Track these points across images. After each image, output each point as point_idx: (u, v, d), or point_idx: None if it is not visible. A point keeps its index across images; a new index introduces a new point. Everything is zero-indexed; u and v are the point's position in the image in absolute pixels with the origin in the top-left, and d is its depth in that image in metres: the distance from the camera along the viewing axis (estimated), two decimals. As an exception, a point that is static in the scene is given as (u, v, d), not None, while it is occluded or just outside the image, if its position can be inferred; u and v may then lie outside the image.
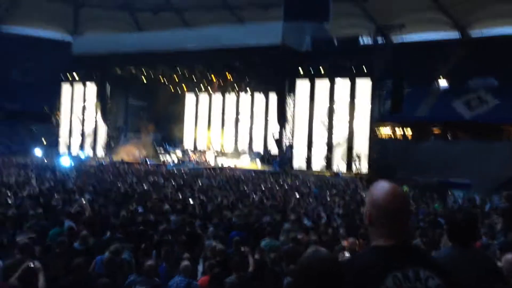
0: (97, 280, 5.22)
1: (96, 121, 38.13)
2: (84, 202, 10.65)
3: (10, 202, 10.38)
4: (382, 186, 1.95)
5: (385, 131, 38.85)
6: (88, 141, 38.63)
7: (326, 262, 1.74)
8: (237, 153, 36.16)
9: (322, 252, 1.80)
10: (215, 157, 35.37)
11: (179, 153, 35.98)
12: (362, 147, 29.29)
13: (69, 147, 38.59)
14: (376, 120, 30.59)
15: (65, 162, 28.05)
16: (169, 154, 35.79)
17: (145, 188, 15.52)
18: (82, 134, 38.76)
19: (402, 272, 1.77)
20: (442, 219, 10.27)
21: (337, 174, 28.22)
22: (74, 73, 38.03)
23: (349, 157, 29.54)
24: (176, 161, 34.22)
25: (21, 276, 4.91)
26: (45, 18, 48.40)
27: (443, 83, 40.06)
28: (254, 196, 14.18)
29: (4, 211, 8.92)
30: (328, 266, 1.73)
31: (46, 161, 30.48)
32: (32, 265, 4.94)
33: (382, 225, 1.89)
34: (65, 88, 39.22)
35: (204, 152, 36.61)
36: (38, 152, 28.48)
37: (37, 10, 47.26)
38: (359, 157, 28.96)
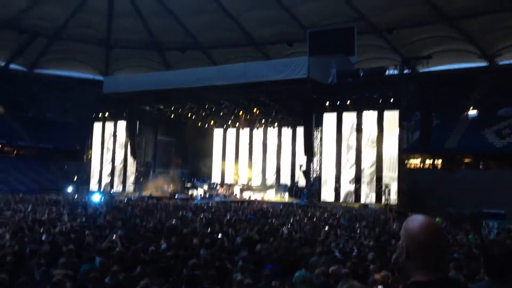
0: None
1: (126, 158, 38.87)
2: (114, 237, 10.77)
3: (43, 238, 10.56)
4: (417, 219, 1.94)
5: (414, 161, 38.31)
6: (118, 177, 39.29)
7: None
8: (264, 186, 36.12)
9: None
10: (243, 190, 35.40)
11: (206, 187, 36.18)
12: (391, 178, 28.92)
13: (99, 184, 39.28)
14: (405, 151, 30.26)
15: (96, 198, 28.50)
16: (197, 189, 36.02)
17: (174, 222, 15.58)
18: (112, 171, 39.47)
19: None
20: (477, 250, 9.99)
21: (366, 206, 27.82)
22: (106, 112, 39.12)
23: (378, 189, 29.17)
24: (203, 195, 34.37)
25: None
26: (78, 60, 50.16)
27: (472, 113, 39.49)
28: (283, 229, 14.07)
29: (37, 247, 9.08)
30: None
31: (77, 197, 31.02)
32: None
33: (419, 259, 1.86)
34: (96, 126, 40.27)
35: (231, 185, 36.71)
36: (70, 189, 29.02)
37: (70, 52, 49.06)
38: (388, 188, 28.55)
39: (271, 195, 33.86)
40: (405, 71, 30.17)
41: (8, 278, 6.38)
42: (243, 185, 36.78)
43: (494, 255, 2.64)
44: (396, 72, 29.75)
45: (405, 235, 1.91)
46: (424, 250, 1.87)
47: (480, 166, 36.94)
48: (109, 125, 39.83)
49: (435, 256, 1.89)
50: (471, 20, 35.87)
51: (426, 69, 32.70)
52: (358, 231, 14.52)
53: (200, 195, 34.68)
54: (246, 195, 34.24)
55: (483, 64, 40.15)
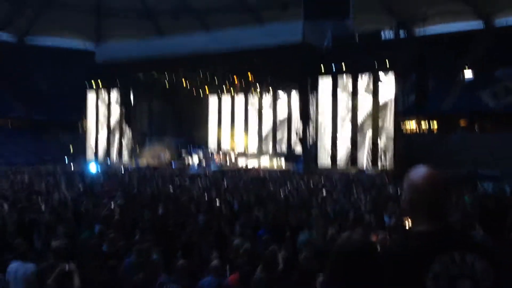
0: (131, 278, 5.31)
1: (121, 127, 38.73)
2: (112, 206, 10.84)
3: (41, 208, 10.61)
4: (421, 171, 1.96)
5: (410, 125, 38.37)
6: (114, 146, 39.25)
7: (361, 242, 1.76)
8: (261, 153, 36.21)
9: (356, 235, 1.82)
10: (239, 157, 35.49)
11: (203, 155, 36.25)
12: (387, 141, 28.99)
13: (96, 154, 39.24)
14: (401, 115, 30.22)
15: (93, 168, 28.53)
16: (193, 156, 36.08)
17: (171, 190, 15.66)
18: (108, 140, 39.39)
19: (449, 255, 1.75)
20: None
21: (362, 170, 27.98)
22: (98, 81, 38.69)
23: (375, 153, 29.27)
24: (200, 163, 34.47)
25: (56, 278, 5.03)
26: (68, 28, 49.36)
27: (468, 74, 39.31)
28: (280, 195, 14.18)
29: (36, 217, 9.13)
30: (363, 245, 1.75)
31: (73, 168, 31.06)
32: (66, 268, 5.06)
33: (423, 209, 1.88)
34: (90, 96, 39.92)
35: (228, 153, 36.78)
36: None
37: (60, 20, 48.21)
38: (384, 152, 28.67)
39: (267, 162, 33.99)
40: (401, 34, 29.91)
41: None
42: (240, 152, 36.86)
43: (489, 209, 2.67)
44: (391, 35, 29.48)
45: (409, 186, 1.93)
46: (427, 200, 1.89)
47: (476, 128, 37.07)
48: (103, 94, 39.48)
49: (438, 205, 1.91)
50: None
51: (422, 31, 32.39)
52: (354, 195, 14.64)
53: (197, 163, 34.76)
54: (243, 162, 34.35)
55: (479, 25, 39.78)
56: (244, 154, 36.66)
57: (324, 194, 14.37)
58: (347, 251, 1.77)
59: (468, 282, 1.72)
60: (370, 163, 29.24)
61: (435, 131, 38.35)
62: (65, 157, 38.83)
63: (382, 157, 28.79)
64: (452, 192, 13.01)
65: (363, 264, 1.73)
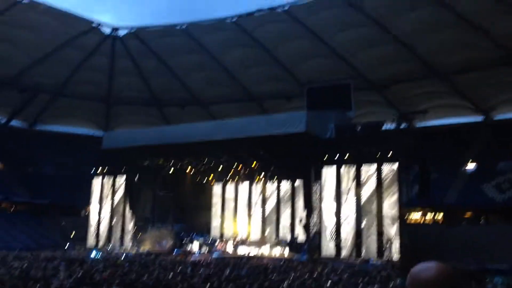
0: None
1: (124, 213, 38.57)
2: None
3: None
4: (440, 266, 1.83)
5: (415, 216, 38.06)
6: (116, 232, 38.83)
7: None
8: (264, 241, 35.60)
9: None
10: (242, 245, 34.88)
11: (206, 242, 35.72)
12: (392, 233, 28.58)
13: (97, 240, 38.71)
14: (405, 206, 30.10)
15: (93, 255, 28.04)
16: (196, 244, 35.54)
17: (172, 278, 15.28)
18: (110, 226, 39.06)
19: None
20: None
21: (367, 261, 27.36)
22: (105, 167, 39.14)
23: (380, 244, 28.76)
24: (202, 250, 33.87)
25: None
26: (78, 117, 50.79)
27: (470, 167, 39.62)
28: (284, 285, 13.80)
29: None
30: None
31: (74, 254, 30.53)
32: None
33: None
34: (95, 182, 40.19)
35: (230, 241, 36.21)
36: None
37: (71, 108, 49.75)
38: (390, 243, 28.17)
39: (270, 251, 33.35)
40: (402, 126, 30.57)
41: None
42: (242, 240, 36.30)
43: None
44: (393, 126, 30.11)
45: (435, 284, 1.78)
46: None
47: (481, 221, 36.71)
48: (108, 181, 39.78)
49: None
50: (463, 76, 36.71)
51: (422, 124, 33.13)
52: (360, 287, 14.23)
53: (199, 250, 34.16)
54: (245, 250, 33.72)
55: (478, 118, 40.73)
56: (247, 241, 36.06)
57: (329, 285, 13.98)
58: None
59: None
60: (375, 254, 28.65)
61: (440, 223, 37.95)
62: (66, 242, 38.35)
63: (388, 248, 28.24)
64: None
65: None
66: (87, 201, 40.90)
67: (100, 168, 39.36)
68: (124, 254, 30.55)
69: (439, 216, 38.52)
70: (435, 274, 1.81)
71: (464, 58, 35.31)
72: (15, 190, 45.76)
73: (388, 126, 30.42)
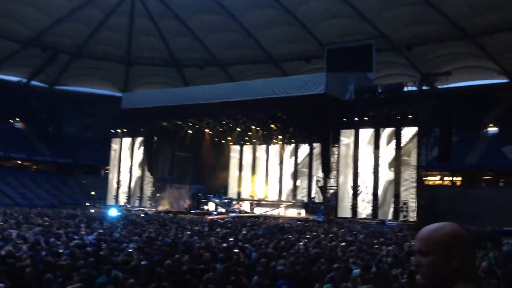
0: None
1: (143, 173, 39.14)
2: (130, 251, 10.77)
3: (60, 251, 10.60)
4: (451, 224, 1.82)
5: (433, 179, 37.83)
6: (135, 192, 39.55)
7: None
8: (281, 202, 35.93)
9: None
10: (259, 206, 35.27)
11: (223, 202, 36.20)
12: (409, 195, 28.53)
13: (117, 199, 39.51)
14: (424, 168, 29.85)
15: (113, 213, 28.63)
16: (213, 203, 36.05)
17: (190, 237, 15.54)
18: (130, 186, 39.74)
19: None
20: (498, 269, 9.73)
21: (383, 222, 27.46)
22: (124, 128, 39.50)
23: (396, 205, 28.79)
24: (219, 210, 34.36)
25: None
26: (98, 77, 50.93)
27: (492, 129, 38.93)
28: (300, 244, 13.93)
29: (54, 260, 9.11)
30: None
31: (94, 212, 31.23)
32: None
33: (466, 265, 1.75)
34: (115, 142, 40.69)
35: (248, 201, 36.63)
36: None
37: (91, 69, 49.83)
38: (406, 205, 28.15)
39: (287, 211, 33.67)
40: (424, 88, 29.91)
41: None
42: (260, 200, 36.66)
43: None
44: (414, 88, 29.49)
45: (451, 241, 1.77)
46: (472, 255, 1.79)
47: (501, 183, 36.32)
48: (127, 141, 40.23)
49: (475, 261, 1.83)
50: (491, 37, 35.56)
51: (445, 86, 32.36)
52: (376, 247, 14.29)
53: (216, 210, 34.66)
54: (263, 210, 34.10)
55: (503, 80, 39.67)
56: (264, 202, 36.42)
57: (343, 245, 14.06)
58: None
59: None
60: (392, 216, 28.73)
61: (458, 185, 37.69)
62: (87, 200, 39.24)
63: (404, 210, 28.28)
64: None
65: None
66: (107, 161, 41.53)
67: (120, 128, 39.72)
68: (143, 213, 31.16)
69: (458, 178, 38.24)
70: (446, 232, 1.78)
71: (491, 19, 34.10)
72: (37, 150, 46.63)
73: (410, 88, 29.79)
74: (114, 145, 40.77)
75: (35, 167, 48.11)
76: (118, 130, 39.92)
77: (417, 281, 7.67)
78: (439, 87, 32.73)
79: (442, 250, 1.76)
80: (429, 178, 36.14)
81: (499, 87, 39.63)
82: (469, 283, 1.73)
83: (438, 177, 38.47)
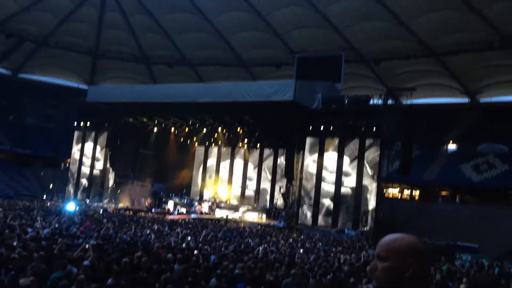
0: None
1: (104, 168, 38.48)
2: (87, 247, 10.58)
3: (14, 244, 10.32)
4: (411, 236, 1.90)
5: (393, 191, 38.67)
6: (95, 187, 38.82)
7: None
8: (242, 206, 35.96)
9: None
10: (220, 208, 35.23)
11: (184, 202, 35.97)
12: (369, 206, 29.11)
13: (75, 193, 38.69)
14: (384, 180, 30.51)
15: (71, 207, 28.00)
16: (174, 204, 35.77)
17: (149, 236, 15.39)
18: (90, 181, 38.99)
19: None
20: (451, 283, 10.03)
21: (343, 231, 27.88)
22: (87, 121, 38.69)
23: (356, 215, 29.31)
24: (180, 210, 34.12)
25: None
26: (64, 68, 49.76)
27: (452, 146, 40.12)
28: (260, 249, 14.00)
29: (7, 252, 8.86)
30: None
31: (51, 205, 30.47)
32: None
33: (419, 275, 1.82)
34: (77, 135, 39.85)
35: (209, 203, 36.52)
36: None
37: (56, 59, 48.66)
38: (366, 215, 28.70)
39: (249, 215, 33.73)
40: (389, 102, 30.61)
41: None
42: (221, 203, 36.61)
43: (482, 284, 2.67)
44: (380, 102, 30.11)
45: (409, 251, 1.85)
46: (427, 265, 1.88)
47: (457, 200, 37.42)
48: (90, 135, 39.48)
49: (429, 271, 1.93)
50: (455, 57, 36.65)
51: (409, 101, 33.16)
52: (333, 255, 14.50)
53: (178, 210, 34.39)
54: (224, 213, 34.05)
55: (465, 100, 40.95)
56: (226, 205, 36.40)
57: (302, 252, 14.21)
58: None
59: None
60: (351, 225, 29.21)
61: (416, 200, 38.64)
62: (44, 193, 38.22)
63: (363, 220, 28.81)
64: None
65: None
66: (68, 154, 40.61)
67: (83, 121, 38.88)
68: (102, 209, 30.62)
69: (417, 192, 39.19)
70: (406, 242, 1.86)
71: (459, 40, 35.17)
72: (-4, 137, 45.18)
73: (375, 101, 30.40)
74: (76, 138, 39.91)
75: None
76: (82, 123, 39.07)
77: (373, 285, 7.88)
78: (404, 102, 33.56)
79: (399, 258, 1.84)
80: (389, 190, 36.90)
81: (460, 106, 40.86)
82: None
83: (397, 190, 39.33)
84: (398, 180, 35.31)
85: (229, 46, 44.31)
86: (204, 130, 37.70)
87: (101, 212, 27.14)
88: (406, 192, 39.69)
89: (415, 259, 1.83)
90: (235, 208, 35.32)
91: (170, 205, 35.94)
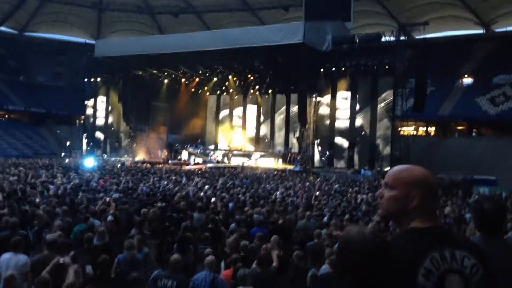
0: (125, 276, 5.30)
1: (118, 123, 38.76)
2: (108, 200, 10.82)
3: (37, 200, 10.57)
4: (420, 168, 1.93)
5: (408, 129, 38.45)
6: (111, 142, 39.29)
7: (373, 241, 1.71)
8: (258, 152, 36.16)
9: (366, 232, 1.76)
10: (236, 156, 35.47)
11: (200, 152, 36.26)
12: (384, 144, 29.12)
13: (93, 148, 39.19)
14: (399, 118, 30.27)
15: (89, 162, 28.43)
16: (190, 154, 36.09)
17: (168, 186, 15.65)
18: (105, 136, 39.40)
19: (439, 252, 1.77)
20: (468, 215, 10.12)
21: (359, 172, 28.04)
22: (98, 76, 38.60)
23: (371, 155, 29.38)
24: (197, 160, 34.48)
25: (51, 270, 5.02)
26: (69, 23, 49.23)
27: (467, 80, 39.41)
28: (277, 194, 14.17)
29: (32, 209, 9.09)
30: (376, 245, 1.71)
31: (70, 162, 30.97)
32: (61, 261, 5.06)
33: (424, 206, 1.85)
34: (88, 90, 39.90)
35: (225, 151, 36.76)
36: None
37: (61, 15, 48.08)
38: (381, 154, 28.74)
39: (264, 161, 33.95)
40: (401, 38, 29.85)
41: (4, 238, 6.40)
42: (236, 151, 36.82)
43: (487, 210, 2.67)
44: (392, 38, 29.41)
45: (415, 182, 1.87)
46: (431, 197, 1.88)
47: (473, 133, 37.17)
48: (101, 90, 39.54)
49: (436, 203, 1.94)
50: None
51: (422, 36, 32.30)
52: (350, 196, 14.65)
53: (194, 160, 34.75)
54: (240, 160, 34.31)
55: (479, 31, 39.83)
56: (241, 152, 36.61)
57: (318, 194, 14.37)
58: (365, 251, 1.71)
59: (457, 277, 1.75)
60: (367, 165, 29.34)
61: (432, 135, 38.43)
62: (62, 150, 38.81)
63: (379, 159, 28.88)
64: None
65: (381, 265, 1.70)
66: (81, 111, 40.87)
67: (93, 77, 38.79)
68: (120, 163, 31.06)
69: (432, 128, 38.93)
70: (413, 174, 1.91)
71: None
72: (8, 98, 45.49)
73: (387, 38, 29.69)
74: (88, 94, 40.00)
75: (6, 116, 47.08)
76: (92, 79, 39.01)
77: (378, 213, 8.10)
78: (416, 37, 32.72)
79: (404, 188, 1.88)
80: (404, 128, 36.70)
81: (475, 38, 39.83)
82: (424, 222, 1.84)
83: (412, 127, 39.07)
84: (412, 117, 35.03)
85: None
86: (215, 79, 37.41)
87: (118, 166, 27.55)
88: (422, 129, 39.44)
89: (420, 191, 1.85)
90: (250, 155, 35.52)
91: (186, 155, 36.28)
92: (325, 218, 9.95)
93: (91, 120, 40.08)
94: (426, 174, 1.91)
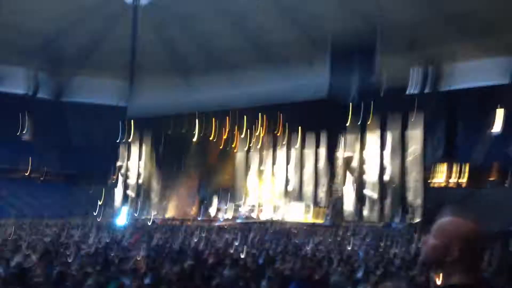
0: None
1: (149, 180, 39.34)
2: (139, 258, 10.89)
3: (69, 260, 10.73)
4: (465, 221, 1.96)
5: (438, 180, 37.66)
6: (143, 200, 39.74)
7: None
8: (287, 206, 35.91)
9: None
10: (265, 211, 35.31)
11: (229, 208, 36.27)
12: (415, 196, 28.58)
13: (124, 207, 39.62)
14: (429, 169, 29.82)
15: (121, 221, 28.75)
16: (220, 209, 36.12)
17: (197, 243, 15.65)
18: (137, 193, 39.95)
19: None
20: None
21: (389, 225, 27.46)
22: (130, 137, 39.75)
23: (403, 207, 28.81)
24: (226, 216, 34.44)
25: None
26: (101, 85, 51.25)
27: (497, 127, 38.75)
28: (307, 248, 14.01)
29: (64, 269, 9.23)
30: None
31: (102, 220, 31.36)
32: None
33: (465, 260, 1.86)
34: (121, 151, 41.06)
35: (254, 206, 36.66)
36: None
37: (94, 78, 50.17)
38: (412, 207, 28.16)
39: (294, 215, 33.66)
40: (428, 88, 29.93)
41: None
42: (266, 205, 36.68)
43: None
44: (418, 89, 29.53)
45: (456, 235, 1.89)
46: (474, 252, 1.90)
47: (506, 184, 36.13)
48: (133, 149, 40.54)
49: (479, 258, 1.95)
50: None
51: (450, 85, 32.22)
52: (382, 250, 14.35)
53: (223, 215, 34.73)
54: (269, 215, 34.13)
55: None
56: (270, 206, 36.42)
57: (350, 248, 14.14)
58: None
59: None
60: (398, 218, 28.73)
61: (463, 186, 37.51)
62: (94, 209, 39.37)
63: (410, 212, 28.27)
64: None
65: None
66: (114, 170, 41.74)
67: (126, 137, 39.94)
68: (150, 220, 31.29)
69: (464, 178, 38.03)
70: (457, 226, 1.94)
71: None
72: (45, 161, 46.89)
73: (412, 89, 29.79)
74: (121, 154, 41.04)
75: (43, 177, 48.37)
76: (124, 139, 40.11)
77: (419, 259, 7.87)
78: (444, 87, 32.70)
79: (445, 239, 1.90)
80: (434, 179, 35.99)
81: (504, 86, 39.40)
82: (465, 277, 1.84)
83: (443, 179, 38.25)
84: (443, 163, 34.33)
85: (260, 46, 44.39)
86: (243, 134, 37.97)
87: (149, 224, 27.74)
88: (453, 179, 38.60)
89: (461, 244, 1.87)
90: (279, 209, 35.31)
91: (215, 211, 36.32)
92: (359, 274, 9.75)
93: (123, 179, 40.81)
94: (467, 227, 1.93)
